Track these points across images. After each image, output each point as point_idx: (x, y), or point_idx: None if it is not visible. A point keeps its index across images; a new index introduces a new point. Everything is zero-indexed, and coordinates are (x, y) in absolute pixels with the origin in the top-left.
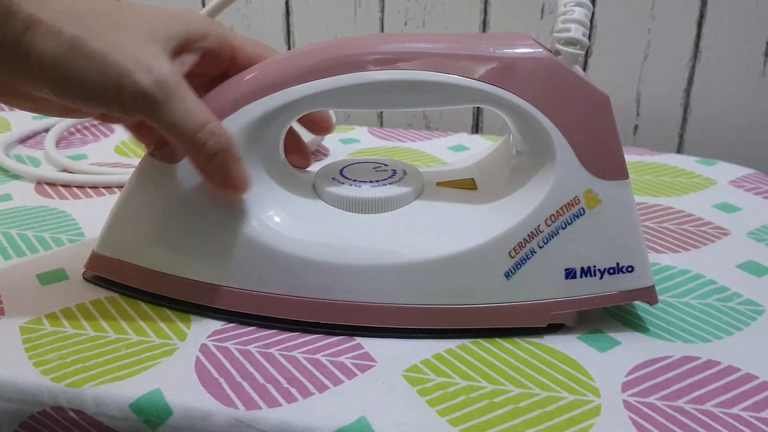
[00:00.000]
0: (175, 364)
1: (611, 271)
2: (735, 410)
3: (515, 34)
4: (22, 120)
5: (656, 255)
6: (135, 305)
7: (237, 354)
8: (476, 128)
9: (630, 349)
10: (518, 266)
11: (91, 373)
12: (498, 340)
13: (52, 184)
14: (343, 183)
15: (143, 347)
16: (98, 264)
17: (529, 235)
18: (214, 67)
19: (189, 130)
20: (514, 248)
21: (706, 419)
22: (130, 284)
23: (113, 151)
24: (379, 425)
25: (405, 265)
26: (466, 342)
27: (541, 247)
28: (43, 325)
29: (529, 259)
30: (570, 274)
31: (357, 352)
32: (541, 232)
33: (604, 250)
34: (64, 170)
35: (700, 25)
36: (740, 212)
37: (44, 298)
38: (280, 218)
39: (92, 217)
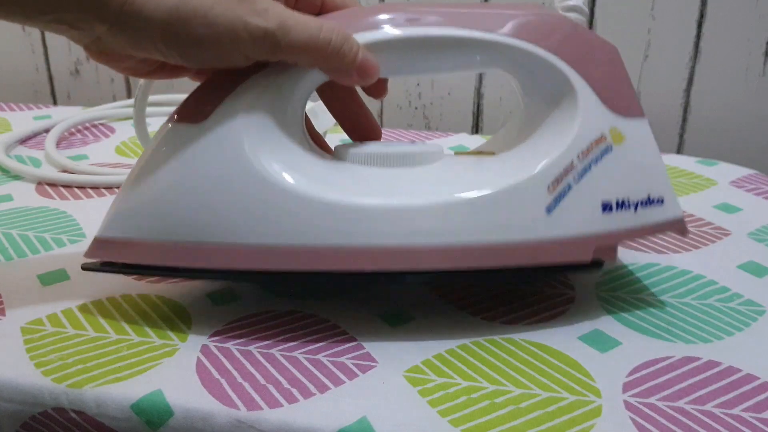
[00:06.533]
0: (176, 364)
1: (644, 203)
2: (736, 411)
3: (526, 2)
4: (23, 120)
5: (657, 255)
6: (136, 306)
7: (238, 354)
8: (476, 128)
9: (631, 350)
10: (557, 201)
11: (93, 373)
12: (498, 339)
13: (52, 184)
14: (367, 144)
15: (144, 348)
16: (103, 248)
17: (564, 171)
18: (305, 9)
19: (318, 45)
20: (552, 183)
21: (707, 420)
22: (143, 262)
23: (114, 151)
24: (380, 426)
25: (444, 204)
26: (467, 342)
27: (576, 182)
28: (44, 325)
29: (566, 194)
30: (606, 207)
31: (358, 353)
32: (574, 167)
33: (634, 183)
34: (65, 171)
35: (700, 25)
36: (741, 213)
37: (45, 298)
38: (310, 171)
39: (93, 218)
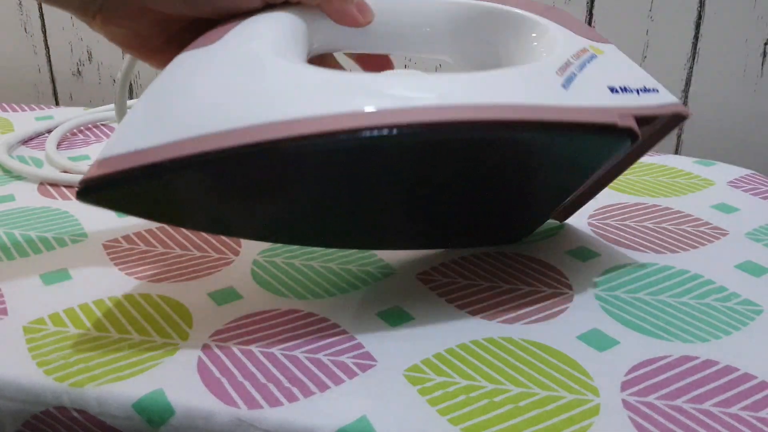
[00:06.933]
0: (177, 363)
1: (642, 90)
2: (734, 410)
3: None
4: (25, 121)
5: (655, 255)
6: (138, 305)
7: (239, 353)
8: None
9: (629, 349)
10: (569, 81)
11: (94, 372)
12: (497, 338)
13: (54, 184)
14: None
15: (145, 347)
16: (107, 164)
17: (565, 64)
18: None
19: None
20: (558, 69)
21: (705, 419)
22: (148, 161)
23: None
24: (379, 424)
25: (461, 77)
26: (466, 342)
27: (579, 71)
28: (46, 325)
29: (574, 78)
30: (613, 90)
31: (358, 352)
32: (572, 63)
33: (628, 77)
34: (66, 171)
35: (698, 26)
36: (738, 213)
37: (47, 298)
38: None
39: (95, 218)
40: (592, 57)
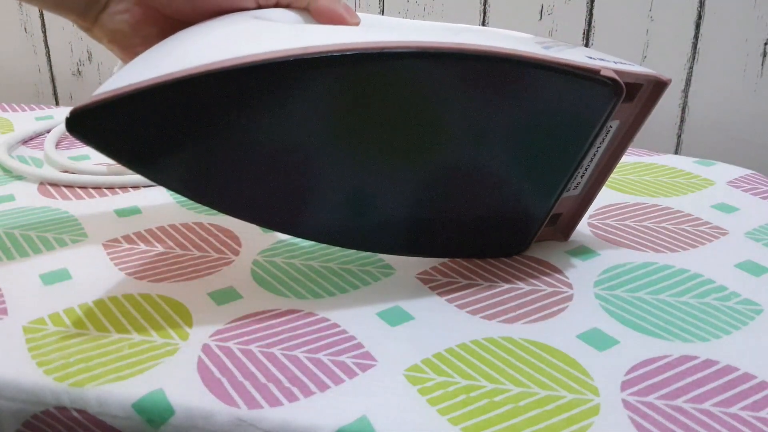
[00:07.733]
0: (177, 363)
1: (620, 62)
2: (734, 409)
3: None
4: (25, 121)
5: (655, 254)
6: (138, 305)
7: (239, 353)
8: None
9: (628, 348)
10: (548, 48)
11: (94, 372)
12: (497, 338)
13: (54, 184)
14: None
15: (145, 347)
16: (103, 95)
17: (542, 40)
18: None
19: None
20: (537, 42)
21: (705, 418)
22: (147, 84)
23: None
24: (380, 424)
25: (453, 28)
26: (466, 341)
27: (555, 46)
28: (46, 324)
29: (552, 48)
30: (591, 58)
31: (358, 352)
32: (548, 41)
33: (603, 55)
34: (66, 171)
35: (698, 26)
36: (738, 212)
37: (47, 298)
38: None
39: (95, 218)
40: (566, 45)
